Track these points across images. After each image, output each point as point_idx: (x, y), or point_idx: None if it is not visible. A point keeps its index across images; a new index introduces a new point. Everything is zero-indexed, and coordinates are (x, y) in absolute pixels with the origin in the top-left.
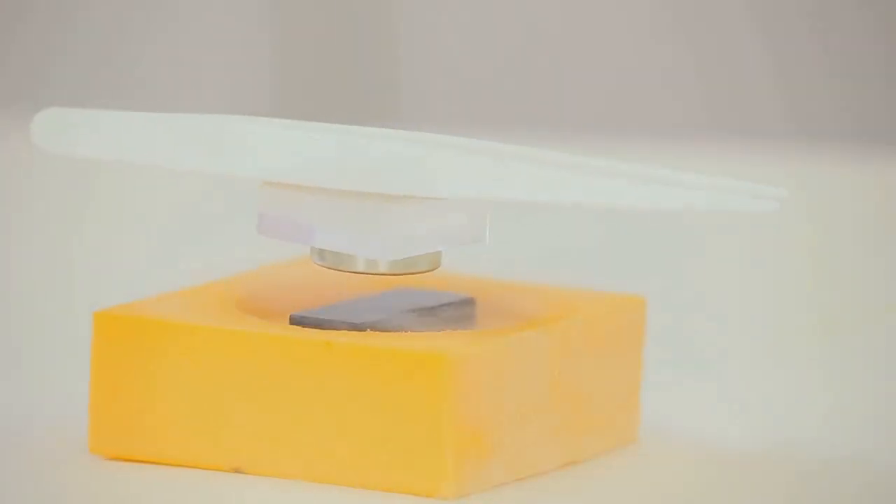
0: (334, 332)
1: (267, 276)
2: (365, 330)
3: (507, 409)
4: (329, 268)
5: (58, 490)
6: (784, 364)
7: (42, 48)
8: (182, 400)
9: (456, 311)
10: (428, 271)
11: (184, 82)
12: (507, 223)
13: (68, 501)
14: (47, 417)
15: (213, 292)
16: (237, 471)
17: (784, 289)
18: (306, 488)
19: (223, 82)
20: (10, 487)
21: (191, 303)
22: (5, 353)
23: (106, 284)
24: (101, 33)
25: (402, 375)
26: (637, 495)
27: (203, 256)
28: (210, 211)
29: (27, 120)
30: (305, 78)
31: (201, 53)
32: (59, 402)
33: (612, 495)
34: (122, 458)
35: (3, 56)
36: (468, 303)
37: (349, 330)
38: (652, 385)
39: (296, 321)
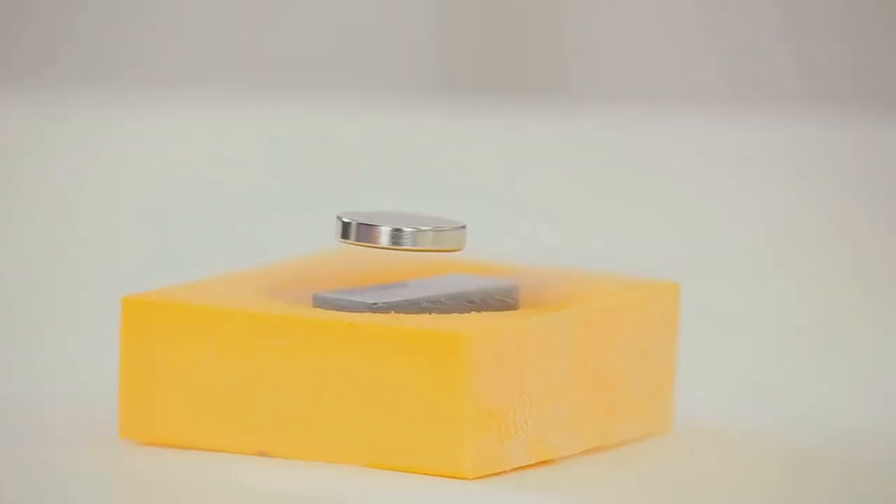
0: (357, 314)
1: (295, 265)
2: (389, 312)
3: (529, 390)
4: (353, 244)
5: (88, 475)
6: (825, 352)
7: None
8: (208, 383)
9: (482, 295)
10: (453, 250)
11: (347, 54)
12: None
13: (99, 486)
14: (78, 403)
15: (240, 279)
16: (262, 454)
17: (825, 277)
18: (330, 469)
19: (389, 56)
20: (41, 473)
21: (217, 288)
22: (36, 340)
23: (137, 272)
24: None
25: (421, 356)
26: (663, 485)
27: (232, 249)
28: (239, 204)
29: (67, 103)
30: (470, 49)
31: (367, 24)
32: (89, 388)
33: (637, 483)
34: (151, 442)
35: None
36: (496, 287)
37: (373, 312)
38: (690, 373)
39: (319, 303)
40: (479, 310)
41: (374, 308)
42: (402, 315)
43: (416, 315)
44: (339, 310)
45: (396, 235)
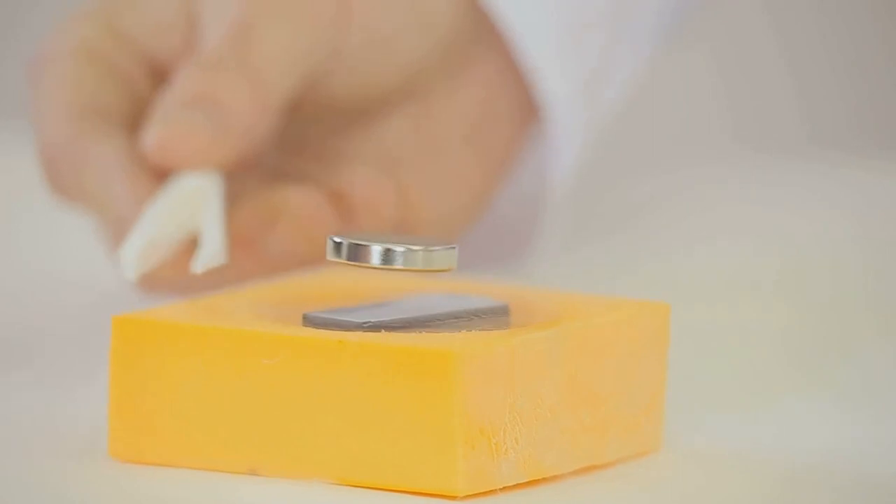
0: (347, 333)
1: (285, 283)
2: (379, 331)
3: (519, 408)
4: (344, 263)
5: (78, 494)
6: (813, 373)
7: None
8: (198, 402)
9: (472, 314)
10: (444, 271)
11: None
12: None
13: None
14: (67, 422)
15: (230, 298)
16: (253, 472)
17: (811, 299)
18: (320, 488)
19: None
20: (31, 492)
21: (207, 307)
22: (26, 358)
23: (129, 293)
24: None
25: (412, 374)
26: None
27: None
28: None
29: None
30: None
31: None
32: (78, 406)
33: (626, 502)
34: (141, 461)
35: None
36: (487, 307)
37: (363, 331)
38: (679, 393)
39: (309, 321)
40: (469, 329)
41: (365, 327)
42: (392, 333)
43: (406, 333)
44: (329, 328)
45: (387, 255)
